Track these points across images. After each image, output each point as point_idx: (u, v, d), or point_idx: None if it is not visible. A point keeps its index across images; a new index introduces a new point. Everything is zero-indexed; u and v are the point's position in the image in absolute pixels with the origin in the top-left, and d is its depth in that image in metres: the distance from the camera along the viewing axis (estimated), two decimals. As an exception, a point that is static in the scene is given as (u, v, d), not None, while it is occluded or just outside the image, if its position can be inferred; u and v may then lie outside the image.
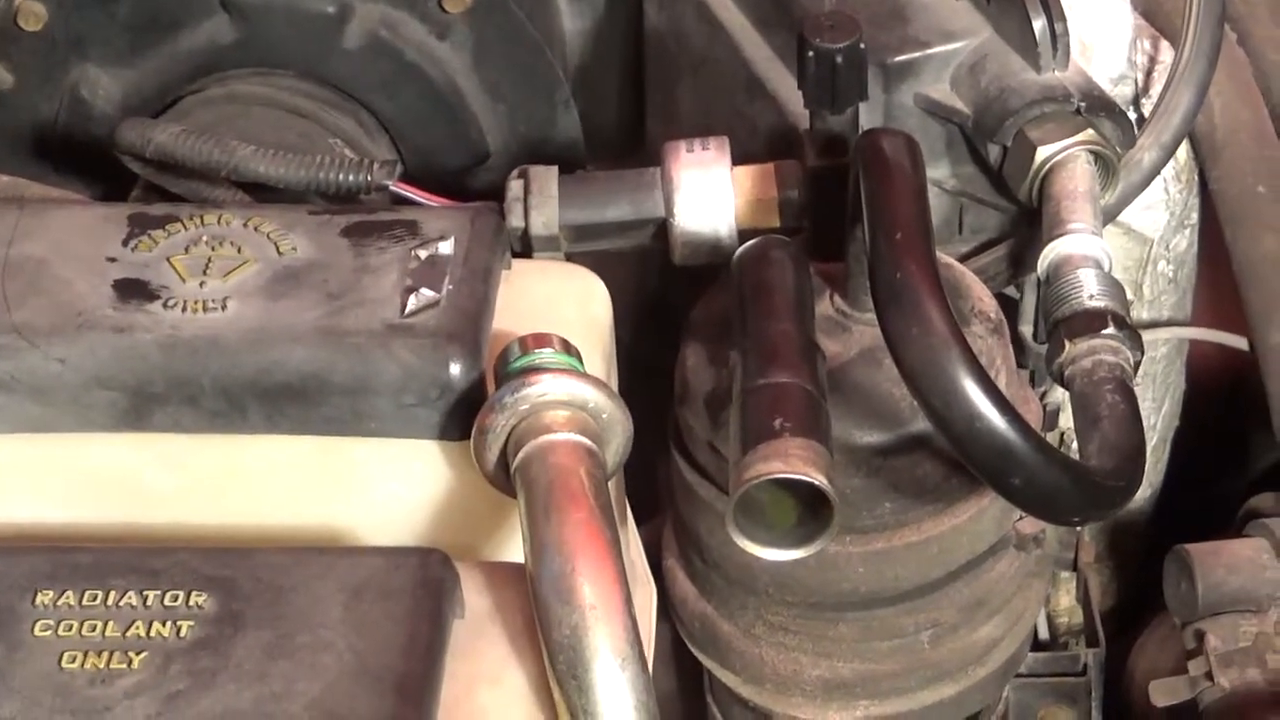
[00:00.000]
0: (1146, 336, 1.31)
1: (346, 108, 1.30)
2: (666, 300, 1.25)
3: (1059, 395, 1.20)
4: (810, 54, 1.08)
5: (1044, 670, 1.31)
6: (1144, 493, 1.44)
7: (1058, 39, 1.15)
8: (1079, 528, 1.34)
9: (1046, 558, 1.16)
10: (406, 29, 1.30)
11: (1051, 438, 1.25)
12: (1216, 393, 1.47)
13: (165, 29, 1.29)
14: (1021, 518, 1.11)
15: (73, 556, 0.86)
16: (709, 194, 1.12)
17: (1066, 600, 1.40)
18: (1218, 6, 1.19)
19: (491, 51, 1.31)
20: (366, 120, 1.31)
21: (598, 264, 1.12)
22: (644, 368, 1.18)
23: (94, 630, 0.83)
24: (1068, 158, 1.12)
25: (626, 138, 1.46)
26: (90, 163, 1.29)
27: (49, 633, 0.83)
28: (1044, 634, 1.39)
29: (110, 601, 0.84)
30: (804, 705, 1.14)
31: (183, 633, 0.83)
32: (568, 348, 0.93)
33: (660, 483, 1.17)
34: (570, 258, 1.14)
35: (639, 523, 1.19)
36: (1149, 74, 1.27)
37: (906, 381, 0.94)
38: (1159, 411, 1.40)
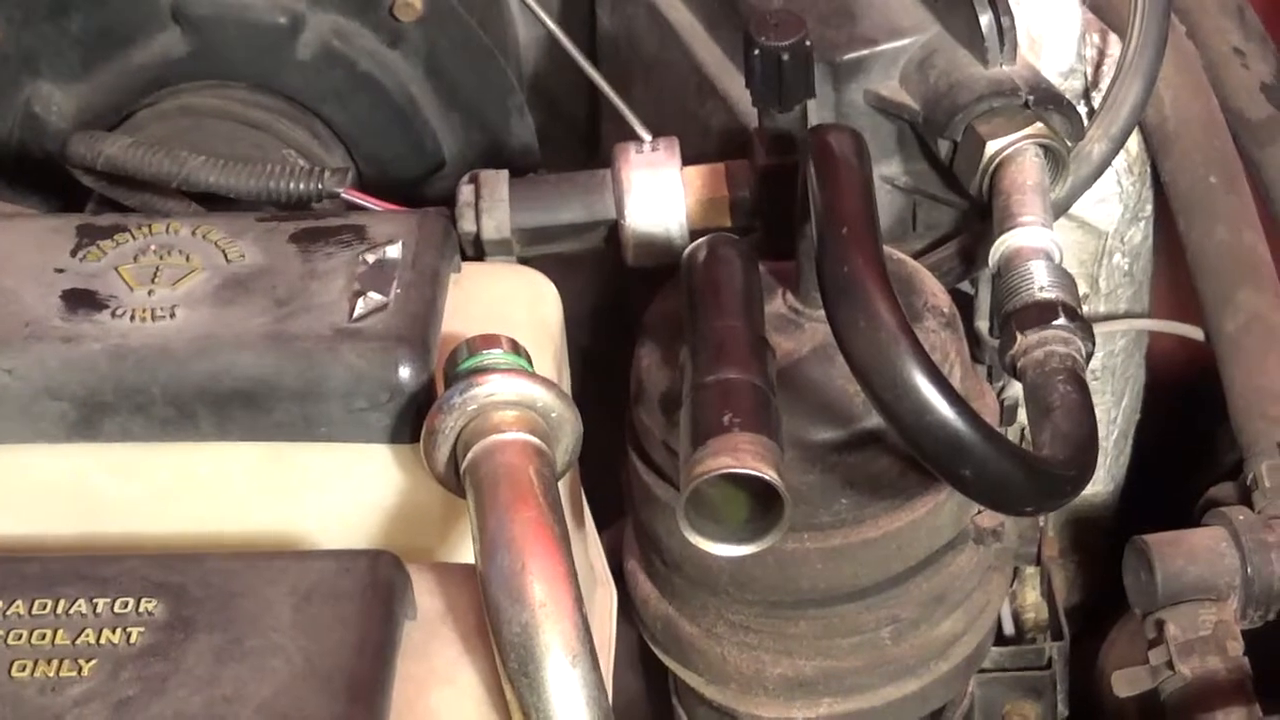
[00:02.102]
0: (1104, 329, 1.33)
1: (300, 118, 1.31)
2: (624, 301, 1.25)
3: (1017, 390, 1.20)
4: (756, 53, 1.08)
5: (1008, 665, 1.31)
6: (1107, 487, 1.44)
7: (1004, 33, 1.15)
8: (1042, 522, 1.34)
9: (1006, 551, 1.16)
10: (359, 39, 1.30)
11: (1012, 432, 1.26)
12: (1180, 386, 1.48)
13: (118, 43, 1.29)
14: (980, 512, 1.12)
15: (22, 566, 0.86)
16: (659, 195, 1.12)
17: (1032, 596, 1.40)
18: (1164, -1, 1.19)
19: (444, 59, 1.31)
20: (321, 130, 1.31)
21: (555, 266, 1.12)
22: (603, 369, 1.18)
23: (44, 639, 0.83)
24: (1017, 151, 1.13)
25: (582, 141, 1.46)
26: (45, 178, 1.29)
27: (-2, 642, 0.83)
28: (1010, 630, 1.39)
29: (60, 610, 0.84)
30: (767, 704, 1.14)
31: (133, 639, 0.83)
32: (516, 348, 0.93)
33: (621, 486, 1.18)
34: (524, 261, 1.14)
35: (601, 527, 1.19)
36: (1098, 67, 1.28)
37: (855, 375, 0.95)
38: (1119, 405, 1.40)
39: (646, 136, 1.15)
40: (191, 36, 1.29)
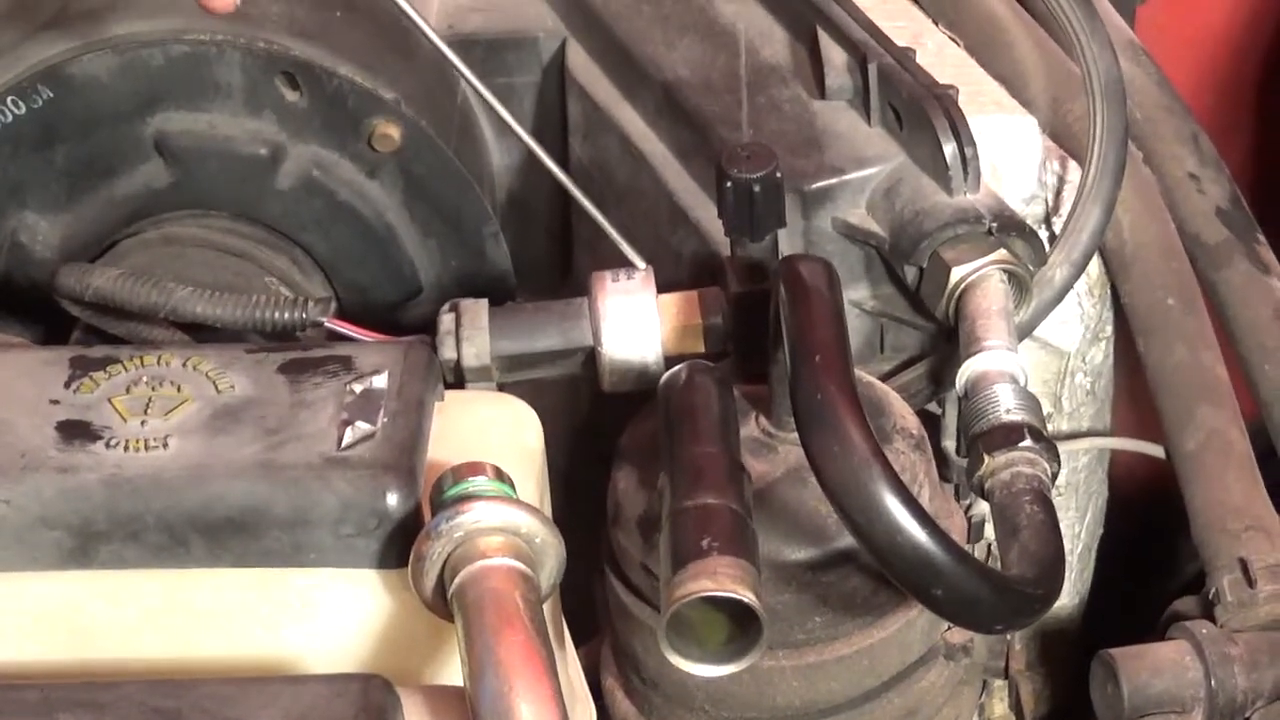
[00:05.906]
0: (1067, 447, 1.34)
1: (281, 246, 1.32)
2: (601, 424, 1.27)
3: (984, 507, 1.22)
4: (728, 184, 1.10)
5: (979, 777, 1.32)
6: (1073, 599, 1.46)
7: (968, 163, 1.18)
8: (1009, 636, 1.36)
9: (976, 666, 1.18)
10: (338, 169, 1.32)
11: (979, 548, 1.28)
12: (1142, 500, 1.50)
13: (102, 175, 1.31)
14: (950, 628, 1.14)
15: (20, 694, 0.87)
16: (635, 322, 1.14)
17: (1000, 709, 1.41)
18: (1121, 127, 1.22)
19: (421, 189, 1.33)
20: (301, 258, 1.33)
21: (528, 387, 1.14)
22: (581, 491, 1.20)
23: (43, 765, 0.85)
24: (981, 277, 1.15)
25: (556, 268, 1.49)
26: (30, 306, 1.30)
27: (-2, 769, 0.84)
28: (978, 742, 1.41)
29: (58, 737, 0.86)
30: (744, 819, 1.15)
31: (130, 765, 0.85)
32: (500, 475, 0.95)
33: (598, 603, 1.19)
34: (503, 387, 1.16)
35: (579, 643, 1.20)
36: (1059, 193, 1.30)
37: (829, 498, 0.97)
38: (1083, 520, 1.42)
39: (640, 263, 1.18)
40: (174, 167, 1.31)
